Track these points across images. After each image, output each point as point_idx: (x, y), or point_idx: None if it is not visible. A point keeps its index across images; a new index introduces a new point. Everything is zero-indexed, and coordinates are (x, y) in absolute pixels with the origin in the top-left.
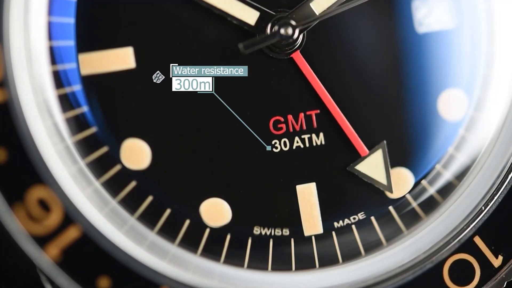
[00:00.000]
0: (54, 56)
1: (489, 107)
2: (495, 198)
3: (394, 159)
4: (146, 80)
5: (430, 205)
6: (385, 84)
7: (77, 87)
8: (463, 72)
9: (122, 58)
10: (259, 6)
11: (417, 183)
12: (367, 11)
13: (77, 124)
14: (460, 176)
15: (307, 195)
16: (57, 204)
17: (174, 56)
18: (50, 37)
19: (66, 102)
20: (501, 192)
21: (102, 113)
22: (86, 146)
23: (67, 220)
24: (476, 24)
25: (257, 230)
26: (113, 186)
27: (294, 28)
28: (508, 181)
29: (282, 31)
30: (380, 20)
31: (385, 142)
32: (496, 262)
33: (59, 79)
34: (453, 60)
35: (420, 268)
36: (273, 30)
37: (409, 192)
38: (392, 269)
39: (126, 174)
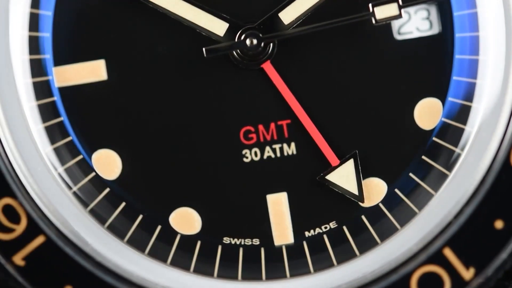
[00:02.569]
0: (32, 69)
1: (464, 116)
2: (467, 208)
3: (368, 168)
4: (117, 92)
5: (404, 215)
6: (359, 92)
7: (53, 99)
8: (438, 81)
9: (94, 71)
10: (227, 17)
11: (390, 192)
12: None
13: (53, 133)
14: (435, 185)
15: (278, 205)
16: (24, 213)
17: (145, 68)
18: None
19: (44, 112)
20: (473, 202)
21: (76, 123)
22: (61, 155)
23: (34, 229)
24: (453, 32)
25: (227, 240)
26: (86, 194)
27: (260, 39)
28: (481, 191)
29: (247, 41)
30: (357, 28)
31: (356, 151)
32: (467, 274)
33: (36, 90)
34: (428, 68)
35: (386, 280)
36: (238, 40)
37: (382, 202)
38: (363, 279)
39: (100, 182)
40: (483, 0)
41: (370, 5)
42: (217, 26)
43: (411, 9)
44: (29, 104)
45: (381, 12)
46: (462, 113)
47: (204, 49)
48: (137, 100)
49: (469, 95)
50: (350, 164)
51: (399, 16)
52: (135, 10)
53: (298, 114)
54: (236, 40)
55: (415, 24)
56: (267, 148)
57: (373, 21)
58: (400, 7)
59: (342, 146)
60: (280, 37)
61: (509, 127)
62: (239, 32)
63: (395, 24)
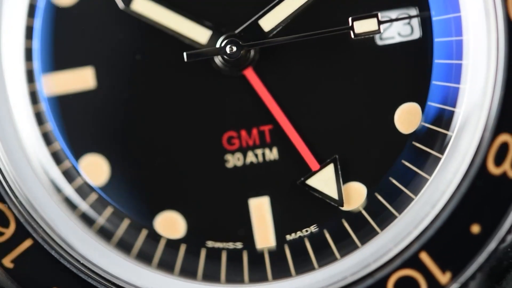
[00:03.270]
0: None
1: (444, 120)
2: (443, 212)
3: (348, 173)
4: (103, 98)
5: (384, 219)
6: (340, 97)
7: (42, 105)
8: (418, 85)
9: (82, 78)
10: (210, 24)
11: (371, 197)
12: (324, 26)
13: (42, 139)
14: (414, 189)
15: (260, 209)
16: (13, 217)
17: (128, 74)
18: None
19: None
20: (449, 206)
21: (63, 130)
22: (49, 161)
23: (22, 233)
24: (433, 37)
25: (210, 244)
26: (74, 198)
27: (239, 46)
28: (457, 195)
29: (227, 48)
30: (338, 34)
31: (336, 156)
32: (443, 278)
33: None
34: (409, 73)
35: (362, 284)
36: (219, 47)
37: (362, 206)
38: (344, 282)
39: (87, 187)
40: (464, 5)
41: (349, 18)
42: (200, 34)
43: (393, 14)
44: (18, 110)
45: (360, 26)
46: (442, 118)
47: (184, 53)
48: (122, 106)
49: (449, 99)
50: (330, 169)
51: (378, 31)
52: (118, 18)
53: (279, 119)
54: (217, 47)
55: (397, 29)
56: (250, 153)
57: (352, 35)
58: (379, 23)
59: (323, 151)
60: (259, 46)
61: (486, 132)
62: (220, 39)
63: (379, 18)
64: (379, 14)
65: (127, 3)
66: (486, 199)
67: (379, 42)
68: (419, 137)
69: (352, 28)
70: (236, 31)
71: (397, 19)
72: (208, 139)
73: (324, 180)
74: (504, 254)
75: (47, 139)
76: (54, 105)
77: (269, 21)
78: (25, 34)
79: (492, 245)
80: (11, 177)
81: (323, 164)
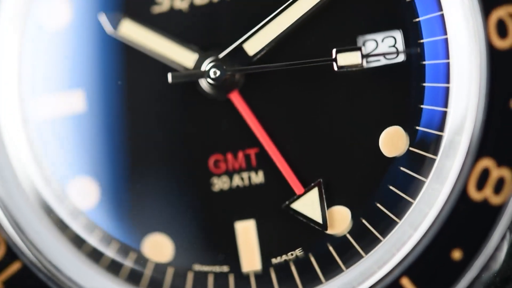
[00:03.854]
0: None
1: (430, 144)
2: (425, 238)
3: (333, 197)
4: (91, 121)
5: (369, 243)
6: (325, 121)
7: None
8: (404, 109)
9: (71, 101)
10: (196, 48)
11: (355, 221)
12: (309, 49)
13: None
14: (399, 213)
15: (246, 232)
16: (3, 240)
17: (115, 97)
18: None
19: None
20: (431, 231)
21: (52, 153)
22: (40, 183)
23: (11, 256)
24: (419, 59)
25: (197, 267)
26: (62, 221)
27: (223, 71)
28: (439, 220)
29: (211, 72)
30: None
31: (321, 180)
32: None
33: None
34: (394, 96)
35: None
36: (203, 71)
37: (347, 230)
38: None
39: (76, 210)
40: (450, 27)
41: (334, 50)
42: (186, 58)
43: (379, 37)
44: (8, 133)
45: (343, 59)
46: (427, 142)
47: (169, 74)
48: (110, 129)
49: (435, 123)
50: (314, 193)
51: (361, 65)
52: (106, 42)
53: (265, 143)
54: (201, 70)
55: (382, 52)
56: (236, 177)
57: (335, 67)
58: (362, 57)
59: (308, 174)
60: (242, 72)
61: (467, 157)
62: (205, 62)
63: (362, 52)
64: (363, 48)
65: (115, 27)
66: (467, 224)
67: (365, 65)
68: (404, 161)
69: (335, 60)
70: (220, 56)
71: (380, 54)
72: (194, 162)
73: (308, 204)
74: (490, 281)
75: (37, 162)
76: (44, 128)
77: (253, 45)
78: (16, 57)
79: (472, 272)
80: (0, 199)
81: (307, 188)
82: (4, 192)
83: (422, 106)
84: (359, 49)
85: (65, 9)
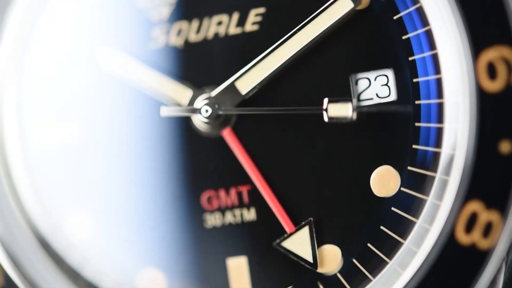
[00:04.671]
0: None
1: (422, 185)
2: (415, 278)
3: (324, 235)
4: (82, 155)
5: (359, 282)
6: (317, 160)
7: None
8: (396, 148)
9: (65, 134)
10: (190, 85)
11: (346, 260)
12: (302, 87)
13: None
14: (389, 253)
15: (238, 269)
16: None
17: (108, 132)
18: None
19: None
20: (421, 271)
21: (49, 185)
22: (38, 217)
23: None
24: (412, 99)
25: None
26: (57, 254)
27: (214, 110)
28: (427, 262)
29: (202, 110)
30: (316, 96)
31: (311, 219)
32: None
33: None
34: (387, 135)
35: None
36: (195, 108)
37: (337, 268)
38: None
39: (70, 242)
40: (444, 67)
41: (325, 100)
42: (181, 94)
43: (371, 75)
44: (5, 165)
45: (334, 110)
46: (419, 182)
47: (161, 108)
48: (103, 163)
49: (427, 163)
50: (305, 232)
51: (351, 118)
52: (101, 77)
53: (256, 181)
54: (193, 107)
55: (375, 90)
56: (228, 213)
57: (325, 118)
58: (353, 110)
59: (300, 213)
60: (233, 112)
61: (456, 199)
62: (197, 100)
63: (355, 90)
64: (353, 101)
65: (111, 62)
66: (455, 268)
67: (358, 103)
68: (395, 201)
69: (326, 110)
70: (212, 94)
71: (370, 109)
72: (187, 198)
73: (299, 243)
74: None
75: (37, 195)
76: (40, 159)
77: (245, 83)
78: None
79: None
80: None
81: (298, 227)
82: (2, 225)
83: (414, 146)
84: (350, 100)
85: (63, 43)
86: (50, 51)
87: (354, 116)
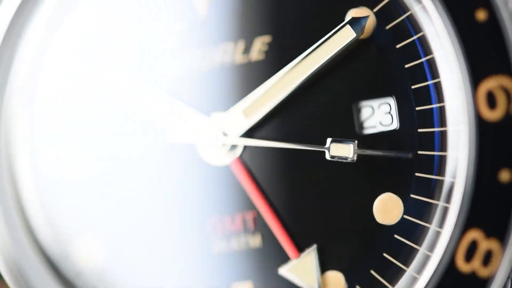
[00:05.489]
0: None
1: (424, 212)
2: None
3: (327, 262)
4: (94, 185)
5: None
6: (322, 188)
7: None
8: (399, 176)
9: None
10: (198, 112)
11: (351, 287)
12: (306, 115)
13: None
14: (393, 280)
15: None
16: None
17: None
18: None
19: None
20: None
21: (59, 215)
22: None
23: None
24: (415, 127)
25: None
26: (66, 279)
27: (220, 139)
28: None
29: (209, 139)
30: (320, 123)
31: (315, 246)
32: None
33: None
34: (390, 163)
35: None
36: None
37: None
38: None
39: (81, 271)
40: (446, 95)
41: (328, 139)
42: (189, 122)
43: (375, 103)
44: (23, 195)
45: (336, 149)
46: (422, 210)
47: (168, 133)
48: (111, 191)
49: (430, 191)
50: (309, 258)
51: (352, 159)
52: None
53: (262, 208)
54: (200, 135)
55: (378, 118)
56: (234, 239)
57: (327, 156)
58: (354, 151)
59: (304, 239)
60: (239, 143)
61: (456, 227)
62: (203, 127)
63: (359, 118)
64: (355, 143)
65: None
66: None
67: (361, 131)
68: (398, 229)
69: (328, 148)
70: (219, 122)
71: (373, 153)
72: (193, 224)
73: (303, 269)
74: None
75: (48, 221)
76: (50, 186)
77: (251, 111)
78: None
79: None
80: (10, 256)
81: (302, 253)
82: (16, 252)
83: (417, 174)
84: (353, 142)
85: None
86: (62, 80)
87: (355, 158)
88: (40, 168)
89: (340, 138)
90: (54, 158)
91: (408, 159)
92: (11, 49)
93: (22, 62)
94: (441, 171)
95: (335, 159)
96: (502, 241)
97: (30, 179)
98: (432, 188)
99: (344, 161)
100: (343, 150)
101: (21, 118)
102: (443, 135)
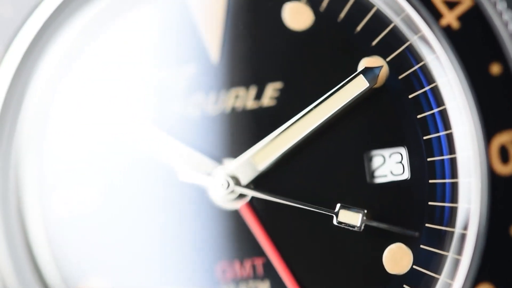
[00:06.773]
0: None
1: (435, 263)
2: None
3: None
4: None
5: None
6: (331, 235)
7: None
8: (409, 226)
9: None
10: (208, 157)
11: None
12: (316, 164)
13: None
14: None
15: None
16: None
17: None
18: None
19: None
20: None
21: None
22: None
23: None
24: (426, 177)
25: None
26: None
27: (228, 187)
28: None
29: (217, 185)
30: (331, 172)
31: None
32: None
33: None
34: (400, 213)
35: None
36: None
37: None
38: None
39: None
40: (458, 147)
41: (338, 205)
42: (199, 166)
43: (386, 153)
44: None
45: (344, 216)
46: (432, 260)
47: (180, 171)
48: (118, 229)
49: (440, 242)
50: None
51: (359, 228)
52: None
53: (270, 254)
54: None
55: (389, 168)
56: (242, 285)
57: (334, 221)
58: (362, 221)
59: (313, 286)
60: (249, 194)
61: (467, 280)
62: (213, 173)
63: (370, 167)
64: (364, 212)
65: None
66: None
67: (372, 180)
68: (407, 279)
69: (337, 214)
70: (229, 168)
71: (383, 227)
72: (202, 269)
73: None
74: None
75: (57, 262)
76: (61, 229)
77: (261, 158)
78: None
79: None
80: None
81: None
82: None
83: (427, 224)
84: (361, 212)
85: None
86: (71, 121)
87: (362, 227)
88: (49, 207)
89: (348, 188)
90: (63, 198)
91: (421, 208)
92: (20, 92)
93: (31, 105)
94: (451, 222)
95: (342, 226)
96: None
97: (38, 218)
98: (443, 239)
99: (350, 228)
100: (351, 218)
101: (31, 159)
102: (454, 186)
